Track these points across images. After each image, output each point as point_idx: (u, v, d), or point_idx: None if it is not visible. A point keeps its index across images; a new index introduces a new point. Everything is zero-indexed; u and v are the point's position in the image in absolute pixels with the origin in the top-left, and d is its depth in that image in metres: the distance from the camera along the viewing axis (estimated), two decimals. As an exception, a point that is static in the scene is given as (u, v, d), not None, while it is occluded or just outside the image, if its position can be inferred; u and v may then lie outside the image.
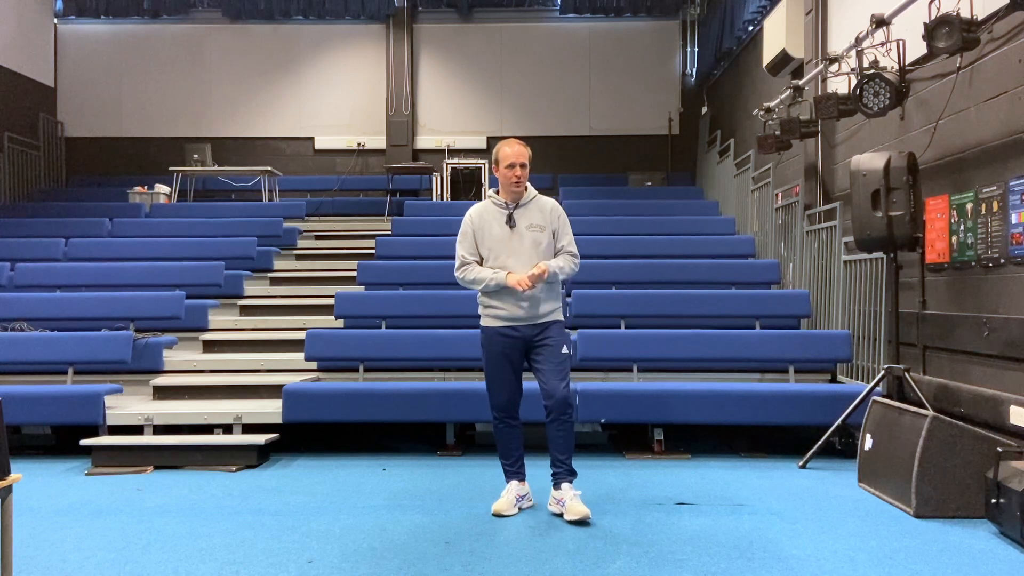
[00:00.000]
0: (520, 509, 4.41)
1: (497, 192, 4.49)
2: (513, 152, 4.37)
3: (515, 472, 4.48)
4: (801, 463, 5.48)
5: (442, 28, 13.85)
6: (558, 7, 13.68)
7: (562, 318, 4.48)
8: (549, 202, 4.49)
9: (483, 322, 4.46)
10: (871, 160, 5.30)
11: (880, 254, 5.92)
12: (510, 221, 4.37)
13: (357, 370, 6.70)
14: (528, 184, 4.44)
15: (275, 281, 9.28)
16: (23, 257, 8.74)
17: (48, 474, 5.44)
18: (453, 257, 8.99)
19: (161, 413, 6.10)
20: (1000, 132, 5.01)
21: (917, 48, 5.43)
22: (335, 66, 13.76)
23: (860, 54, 5.86)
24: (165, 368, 7.01)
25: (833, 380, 6.76)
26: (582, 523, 4.14)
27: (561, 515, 4.26)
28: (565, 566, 3.54)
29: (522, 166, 4.35)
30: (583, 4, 13.45)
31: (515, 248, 4.35)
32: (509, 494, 4.42)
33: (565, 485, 4.32)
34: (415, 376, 6.67)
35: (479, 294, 4.44)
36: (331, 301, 7.50)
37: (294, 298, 8.73)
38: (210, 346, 7.69)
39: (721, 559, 3.63)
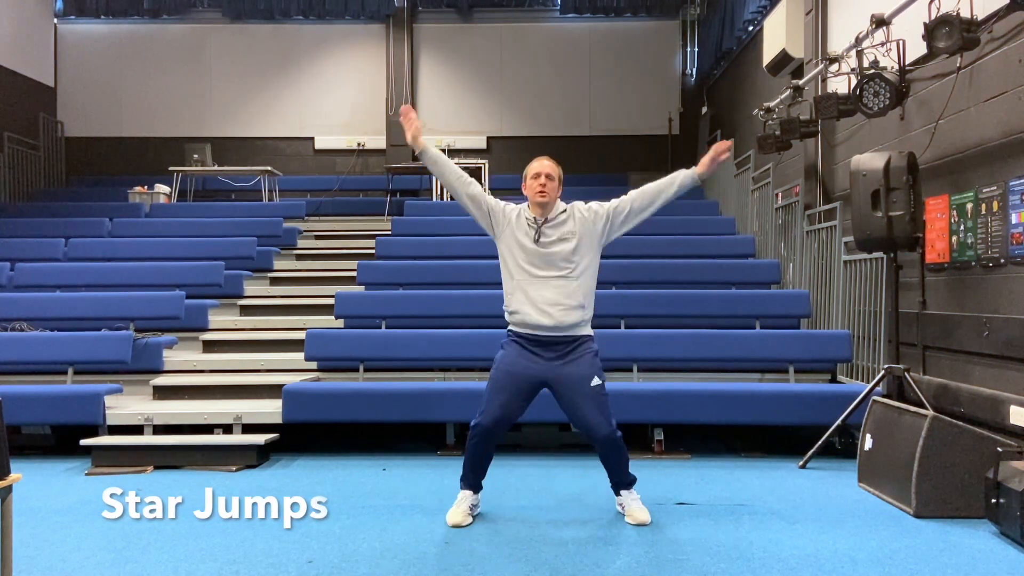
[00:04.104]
0: (473, 517, 4.23)
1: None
2: (538, 164, 4.17)
3: (474, 483, 4.28)
4: (801, 463, 5.48)
5: (442, 28, 13.85)
6: (558, 7, 13.68)
7: (591, 332, 4.16)
8: (581, 207, 4.22)
9: (509, 327, 4.21)
10: (871, 160, 5.30)
11: (880, 254, 5.92)
12: (538, 235, 4.10)
13: (357, 370, 6.69)
14: (561, 202, 4.19)
15: (275, 281, 9.28)
16: (23, 257, 8.73)
17: (48, 474, 5.44)
18: (453, 257, 8.98)
19: (161, 413, 6.09)
20: (1000, 132, 5.01)
21: (917, 48, 5.43)
22: (335, 66, 13.76)
23: (860, 54, 5.87)
24: (165, 368, 7.00)
25: (833, 380, 6.76)
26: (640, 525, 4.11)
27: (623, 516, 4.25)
28: (565, 566, 3.54)
29: (547, 176, 4.11)
30: (583, 4, 13.45)
31: (538, 260, 4.08)
32: (463, 504, 4.23)
33: (624, 492, 4.28)
34: (415, 376, 6.66)
35: (504, 300, 4.19)
36: (331, 301, 7.49)
37: (294, 298, 8.73)
38: (210, 346, 7.69)
39: (721, 559, 3.63)
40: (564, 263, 4.09)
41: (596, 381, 4.07)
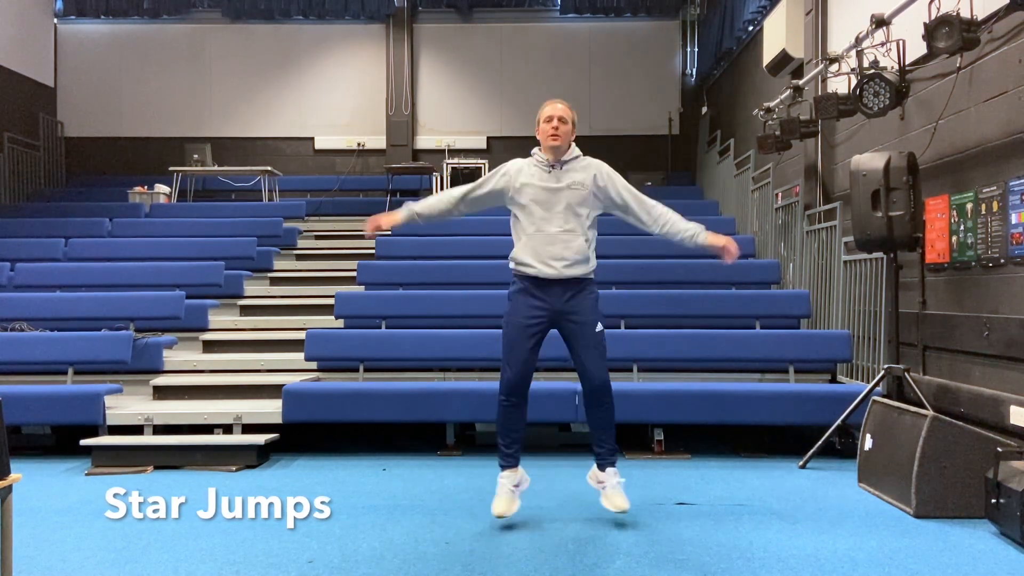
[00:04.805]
0: (519, 501, 4.20)
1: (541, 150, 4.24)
2: (551, 108, 4.16)
3: (511, 456, 4.20)
4: (801, 463, 5.48)
5: (442, 28, 13.84)
6: (558, 7, 13.68)
7: (593, 276, 4.20)
8: (595, 162, 4.23)
9: (513, 272, 4.21)
10: (871, 160, 5.30)
11: (880, 254, 5.92)
12: (551, 176, 4.12)
13: (357, 370, 6.70)
14: (574, 146, 4.21)
15: (275, 281, 9.28)
16: (23, 257, 8.73)
17: (48, 474, 5.44)
18: (453, 257, 8.99)
19: (161, 413, 6.09)
20: (1000, 132, 5.01)
21: (917, 48, 5.43)
22: (335, 66, 13.76)
23: (860, 54, 5.86)
24: (165, 368, 7.00)
25: (833, 380, 6.76)
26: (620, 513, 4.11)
27: (597, 494, 4.23)
28: (565, 566, 3.54)
29: (560, 119, 4.10)
30: (583, 4, 13.45)
31: (552, 204, 4.09)
32: (503, 489, 4.18)
33: (610, 470, 4.23)
34: (415, 376, 6.67)
35: (512, 253, 4.20)
36: (331, 301, 7.50)
37: (294, 298, 8.73)
38: (210, 346, 7.69)
39: (721, 559, 3.63)
40: (572, 216, 4.10)
41: (599, 327, 4.14)
